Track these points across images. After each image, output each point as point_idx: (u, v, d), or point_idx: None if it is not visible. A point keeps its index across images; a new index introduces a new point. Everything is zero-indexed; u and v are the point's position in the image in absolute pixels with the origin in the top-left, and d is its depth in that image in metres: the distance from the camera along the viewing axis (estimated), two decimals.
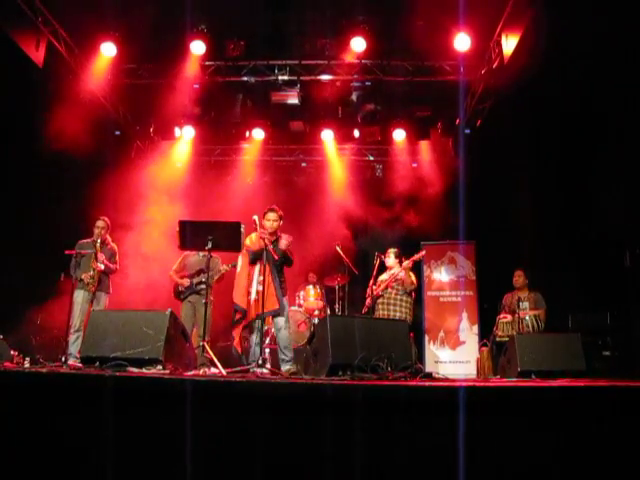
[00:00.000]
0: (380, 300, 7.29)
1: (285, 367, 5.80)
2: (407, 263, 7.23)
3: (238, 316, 5.96)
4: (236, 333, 6.00)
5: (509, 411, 3.10)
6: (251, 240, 6.05)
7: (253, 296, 5.89)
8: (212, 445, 3.03)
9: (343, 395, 3.12)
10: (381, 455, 2.98)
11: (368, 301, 7.44)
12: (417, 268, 8.90)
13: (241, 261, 6.13)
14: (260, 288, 5.85)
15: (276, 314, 5.97)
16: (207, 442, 3.02)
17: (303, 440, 3.02)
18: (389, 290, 7.27)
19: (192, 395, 3.06)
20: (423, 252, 7.42)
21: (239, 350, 6.02)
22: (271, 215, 6.12)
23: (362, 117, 9.98)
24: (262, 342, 5.92)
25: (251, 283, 5.96)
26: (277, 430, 3.04)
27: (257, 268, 5.99)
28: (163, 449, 3.04)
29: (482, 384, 3.61)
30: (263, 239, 5.72)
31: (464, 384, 3.31)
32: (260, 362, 5.18)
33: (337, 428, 2.97)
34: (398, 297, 7.19)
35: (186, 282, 7.23)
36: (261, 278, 5.85)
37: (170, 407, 3.08)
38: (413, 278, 7.28)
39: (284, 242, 6.01)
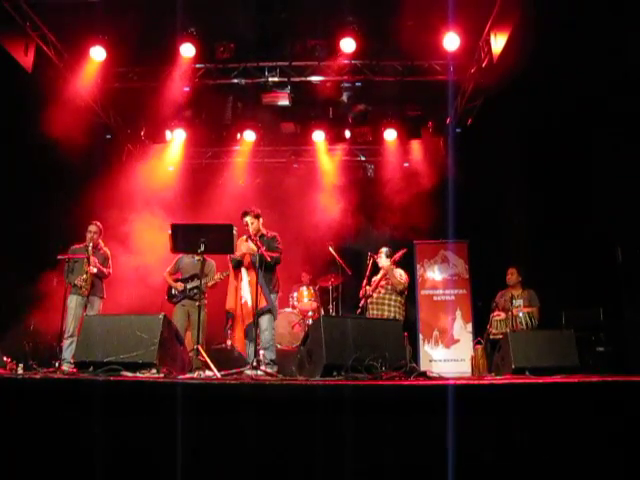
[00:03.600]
0: (371, 300, 7.31)
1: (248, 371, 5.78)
2: (388, 264, 7.24)
3: (230, 322, 5.99)
4: (236, 337, 6.01)
5: (503, 408, 3.12)
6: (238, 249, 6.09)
7: (245, 300, 5.90)
8: (207, 448, 3.03)
9: (337, 395, 3.12)
10: (376, 455, 2.99)
11: (362, 302, 7.45)
12: (410, 267, 8.92)
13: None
14: (250, 291, 5.89)
15: (265, 312, 5.95)
16: (202, 445, 3.02)
17: (298, 441, 3.02)
18: (379, 290, 7.29)
19: (186, 398, 3.05)
20: (404, 251, 7.42)
21: (242, 352, 6.04)
22: (245, 219, 6.18)
23: (353, 117, 9.99)
24: (257, 344, 5.92)
25: (240, 287, 5.96)
26: (272, 432, 3.04)
27: (244, 272, 6.01)
28: (157, 452, 3.03)
29: (476, 382, 3.62)
30: (255, 242, 5.76)
31: (458, 382, 3.33)
32: (254, 364, 5.18)
33: (332, 428, 2.97)
34: (387, 296, 7.21)
35: (180, 286, 7.22)
36: (249, 279, 5.91)
37: (165, 410, 3.07)
38: (401, 278, 7.27)
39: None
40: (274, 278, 6.21)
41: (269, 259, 5.91)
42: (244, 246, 6.05)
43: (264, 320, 5.99)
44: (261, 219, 6.29)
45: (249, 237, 6.04)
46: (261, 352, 6.11)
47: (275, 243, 6.20)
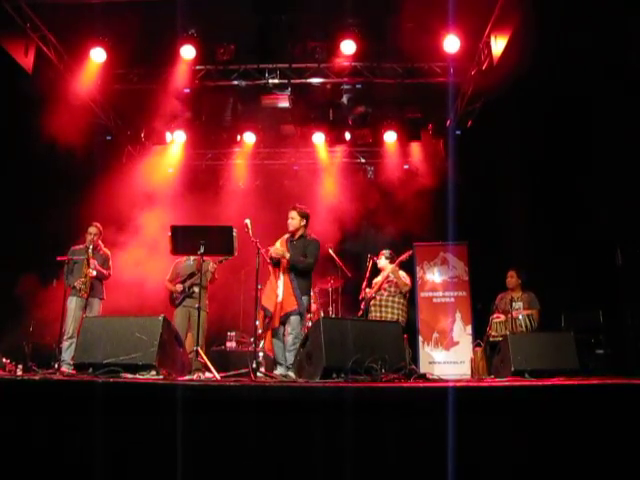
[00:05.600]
0: (373, 302, 7.29)
1: (279, 370, 5.76)
2: (393, 266, 7.22)
3: (267, 320, 5.93)
4: (266, 337, 5.98)
5: (503, 411, 3.11)
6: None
7: (279, 299, 5.86)
8: (206, 449, 3.02)
9: (337, 397, 3.12)
10: (375, 456, 2.98)
11: (363, 305, 7.43)
12: (410, 269, 8.90)
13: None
14: (281, 291, 5.85)
15: (294, 314, 5.86)
16: (202, 446, 3.02)
17: (298, 443, 3.01)
18: (382, 292, 7.27)
19: (186, 400, 3.05)
20: (409, 252, 7.41)
21: (270, 354, 6.00)
22: (290, 213, 6.17)
23: (353, 119, 9.99)
24: (257, 346, 5.92)
25: (276, 286, 5.93)
26: (272, 434, 3.04)
27: (279, 272, 5.98)
28: (157, 454, 3.03)
29: (476, 384, 3.62)
30: (255, 243, 5.75)
31: (458, 384, 3.32)
32: (254, 366, 5.18)
33: (331, 430, 2.97)
34: (390, 298, 7.20)
35: (179, 287, 7.20)
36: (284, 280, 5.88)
37: (164, 412, 3.07)
38: (406, 279, 7.28)
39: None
40: (308, 281, 6.10)
41: (297, 259, 5.96)
42: (276, 246, 6.02)
43: (292, 322, 5.85)
44: (306, 221, 6.21)
45: (289, 238, 6.10)
46: (260, 354, 6.12)
47: (312, 249, 6.09)
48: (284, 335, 5.86)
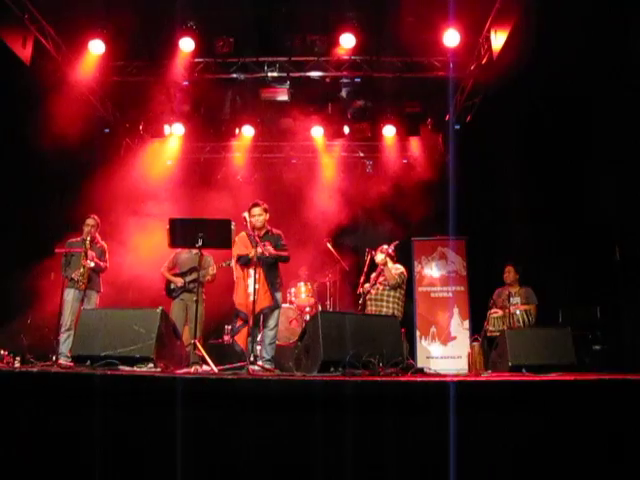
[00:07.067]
0: (369, 296, 7.27)
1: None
2: (382, 258, 7.18)
3: (239, 322, 5.95)
4: (240, 337, 6.00)
5: (500, 406, 3.12)
6: (239, 246, 6.02)
7: (252, 298, 5.84)
8: (204, 442, 3.03)
9: (334, 391, 3.12)
10: (372, 451, 2.99)
11: (361, 300, 7.41)
12: (408, 264, 8.90)
13: (233, 264, 6.14)
14: (256, 287, 5.85)
15: (271, 310, 5.97)
16: (199, 439, 3.02)
17: (295, 436, 3.02)
18: (377, 286, 7.25)
19: (183, 393, 3.05)
20: (395, 243, 7.36)
21: (243, 348, 6.02)
22: (255, 210, 6.07)
23: (352, 113, 9.96)
24: (255, 338, 5.92)
25: (248, 285, 5.92)
26: (269, 427, 3.05)
27: (251, 268, 5.98)
28: (155, 447, 3.03)
29: (473, 379, 3.63)
30: (254, 246, 5.75)
31: (455, 379, 3.33)
32: (252, 359, 5.18)
33: (329, 424, 2.97)
34: (385, 293, 7.14)
35: (180, 282, 7.21)
36: (256, 276, 5.86)
37: (162, 405, 3.07)
38: (396, 271, 7.18)
39: (268, 249, 5.90)
40: (278, 276, 6.18)
41: (282, 254, 5.99)
42: (248, 247, 5.97)
43: (272, 318, 5.99)
44: (267, 215, 6.18)
45: (249, 234, 5.95)
46: (258, 348, 6.11)
47: (282, 241, 6.14)
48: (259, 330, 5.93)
